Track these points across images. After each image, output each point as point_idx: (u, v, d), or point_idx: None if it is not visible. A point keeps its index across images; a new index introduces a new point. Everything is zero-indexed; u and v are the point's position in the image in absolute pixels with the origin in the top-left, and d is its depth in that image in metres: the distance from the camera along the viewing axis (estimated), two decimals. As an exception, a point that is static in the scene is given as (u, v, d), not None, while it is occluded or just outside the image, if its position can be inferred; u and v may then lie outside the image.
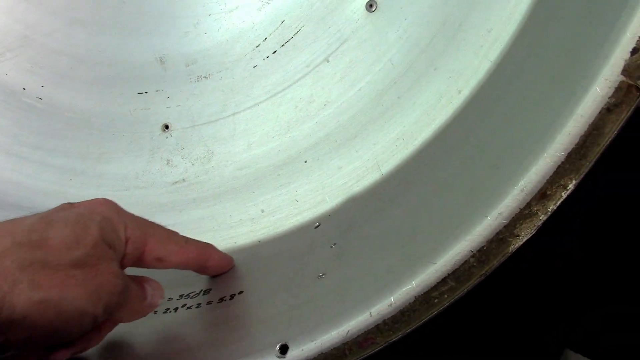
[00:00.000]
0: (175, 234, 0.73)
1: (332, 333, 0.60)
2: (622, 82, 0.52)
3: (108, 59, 0.95)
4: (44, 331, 0.55)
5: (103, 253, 0.60)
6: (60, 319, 0.55)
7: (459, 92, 0.80)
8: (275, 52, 0.91)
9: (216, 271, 0.80)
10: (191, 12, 0.93)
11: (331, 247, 0.75)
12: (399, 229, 0.70)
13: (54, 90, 0.95)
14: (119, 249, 0.64)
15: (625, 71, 0.52)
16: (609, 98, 0.53)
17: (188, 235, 0.75)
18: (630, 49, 0.52)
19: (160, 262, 0.70)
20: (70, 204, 0.65)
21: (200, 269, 0.77)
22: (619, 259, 0.98)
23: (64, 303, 0.55)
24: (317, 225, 0.83)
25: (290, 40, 0.90)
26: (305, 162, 0.89)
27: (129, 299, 0.65)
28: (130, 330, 0.75)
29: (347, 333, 0.59)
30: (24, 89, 0.94)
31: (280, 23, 0.91)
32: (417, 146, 0.81)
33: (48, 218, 0.59)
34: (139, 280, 0.69)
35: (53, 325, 0.55)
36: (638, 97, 0.52)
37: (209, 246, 0.78)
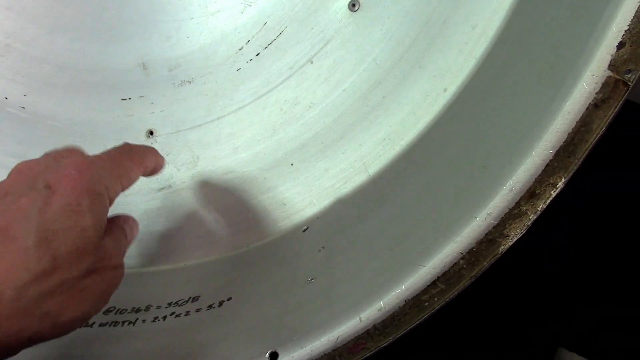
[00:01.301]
0: (131, 156, 0.73)
1: (322, 339, 0.59)
2: (609, 77, 0.52)
3: (90, 66, 0.94)
4: None
5: (103, 253, 0.61)
6: (81, 325, 0.60)
7: (445, 90, 0.79)
8: (258, 54, 0.90)
9: (159, 171, 0.80)
10: (173, 17, 0.92)
11: (319, 250, 0.74)
12: (387, 231, 0.69)
13: (37, 99, 0.94)
14: (107, 214, 0.65)
15: (612, 66, 0.52)
16: (596, 94, 0.52)
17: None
18: (617, 44, 0.52)
19: (128, 188, 0.71)
20: (47, 187, 0.61)
21: (149, 174, 0.78)
22: (611, 257, 0.98)
23: (86, 314, 0.59)
24: (305, 229, 0.83)
25: (274, 42, 0.90)
26: (292, 164, 0.88)
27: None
28: (120, 340, 0.74)
29: (337, 339, 0.59)
30: (7, 98, 0.93)
31: (262, 25, 0.90)
32: (404, 146, 0.81)
33: (43, 229, 0.57)
34: (118, 222, 0.70)
35: (73, 329, 0.59)
36: (625, 92, 0.52)
37: (152, 150, 0.78)
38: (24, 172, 0.63)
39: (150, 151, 0.77)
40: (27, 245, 0.56)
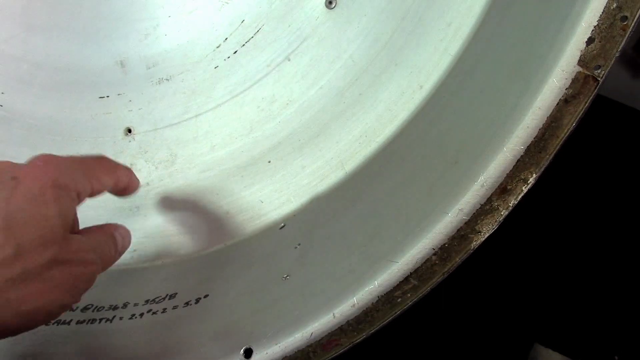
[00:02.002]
0: (104, 162, 0.74)
1: (296, 335, 0.60)
2: (578, 72, 0.52)
3: (67, 64, 0.93)
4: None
5: (71, 246, 0.61)
6: (47, 319, 0.59)
7: (421, 87, 0.79)
8: (236, 52, 0.90)
9: (132, 190, 0.80)
10: (150, 15, 0.92)
11: (295, 247, 0.74)
12: (361, 228, 0.69)
13: (15, 97, 0.94)
14: (75, 210, 0.65)
15: (582, 61, 0.52)
16: (566, 89, 0.53)
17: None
18: (586, 39, 0.52)
19: (99, 194, 0.71)
20: (14, 178, 0.62)
21: (121, 191, 0.78)
22: (585, 253, 0.99)
23: (50, 306, 0.58)
24: (282, 226, 0.83)
25: (251, 40, 0.90)
26: (269, 162, 0.88)
27: (103, 257, 0.67)
28: (96, 337, 0.74)
29: (310, 335, 0.59)
30: (-17, 97, 0.93)
31: (240, 23, 0.90)
32: (381, 143, 0.81)
33: (8, 217, 0.58)
34: (109, 229, 0.71)
35: (40, 324, 0.59)
36: (595, 88, 0.52)
37: (126, 168, 0.78)
38: None
39: (125, 167, 0.78)
40: None
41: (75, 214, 0.65)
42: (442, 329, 0.99)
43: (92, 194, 0.69)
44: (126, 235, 0.74)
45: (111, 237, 0.70)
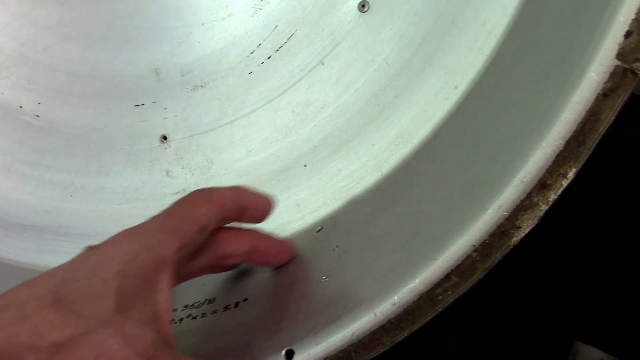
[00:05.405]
0: (195, 198, 0.63)
1: (338, 335, 0.59)
2: (617, 66, 0.52)
3: (103, 73, 0.94)
4: None
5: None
6: None
7: (455, 87, 0.79)
8: (269, 57, 0.91)
9: (258, 213, 0.72)
10: (184, 22, 0.93)
11: (334, 249, 0.74)
12: (400, 228, 0.69)
13: (51, 107, 0.94)
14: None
15: (620, 55, 0.52)
16: (604, 83, 0.52)
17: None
18: (624, 32, 0.52)
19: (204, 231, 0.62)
20: (93, 249, 0.54)
21: (240, 214, 0.68)
22: (629, 249, 0.98)
23: None
24: (319, 229, 0.83)
25: (284, 45, 0.90)
26: (305, 166, 0.88)
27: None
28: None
29: (352, 335, 0.59)
30: (21, 106, 0.94)
31: (273, 28, 0.90)
32: (416, 144, 0.81)
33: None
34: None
35: None
36: (634, 81, 0.52)
37: (233, 188, 0.68)
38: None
39: (231, 189, 0.67)
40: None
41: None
42: (483, 327, 0.98)
43: (194, 240, 0.61)
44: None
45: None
